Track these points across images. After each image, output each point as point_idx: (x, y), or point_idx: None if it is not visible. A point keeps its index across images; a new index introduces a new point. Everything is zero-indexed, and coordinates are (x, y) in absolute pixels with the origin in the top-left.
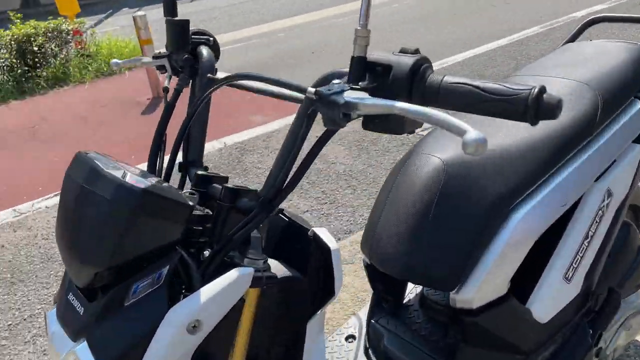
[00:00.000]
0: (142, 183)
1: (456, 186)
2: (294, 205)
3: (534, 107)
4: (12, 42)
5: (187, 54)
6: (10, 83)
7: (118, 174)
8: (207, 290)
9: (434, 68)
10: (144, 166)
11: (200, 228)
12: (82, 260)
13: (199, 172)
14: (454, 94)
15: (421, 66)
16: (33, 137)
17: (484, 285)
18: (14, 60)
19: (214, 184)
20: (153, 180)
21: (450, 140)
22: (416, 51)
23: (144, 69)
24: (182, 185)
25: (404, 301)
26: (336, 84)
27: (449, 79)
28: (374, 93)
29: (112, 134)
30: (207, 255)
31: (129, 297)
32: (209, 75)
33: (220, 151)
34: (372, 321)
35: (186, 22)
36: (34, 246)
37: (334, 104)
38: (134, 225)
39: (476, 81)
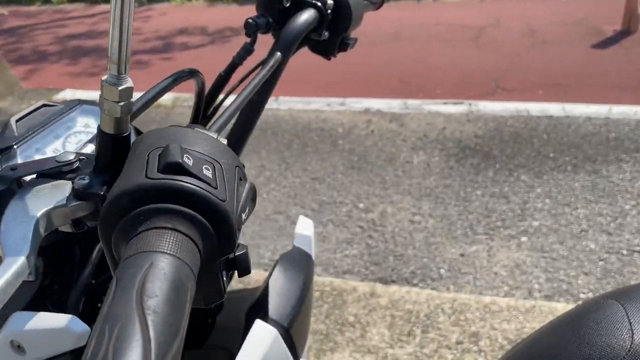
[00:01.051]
0: None
1: None
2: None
3: None
4: None
5: (262, 17)
6: None
7: None
8: (37, 320)
9: None
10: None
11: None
12: None
13: None
14: None
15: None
16: (476, 38)
17: None
18: None
19: None
20: None
21: None
22: (173, 167)
23: None
24: None
25: None
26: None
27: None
28: None
29: (541, 57)
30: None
31: None
32: (277, 52)
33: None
34: None
35: None
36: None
37: None
38: None
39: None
